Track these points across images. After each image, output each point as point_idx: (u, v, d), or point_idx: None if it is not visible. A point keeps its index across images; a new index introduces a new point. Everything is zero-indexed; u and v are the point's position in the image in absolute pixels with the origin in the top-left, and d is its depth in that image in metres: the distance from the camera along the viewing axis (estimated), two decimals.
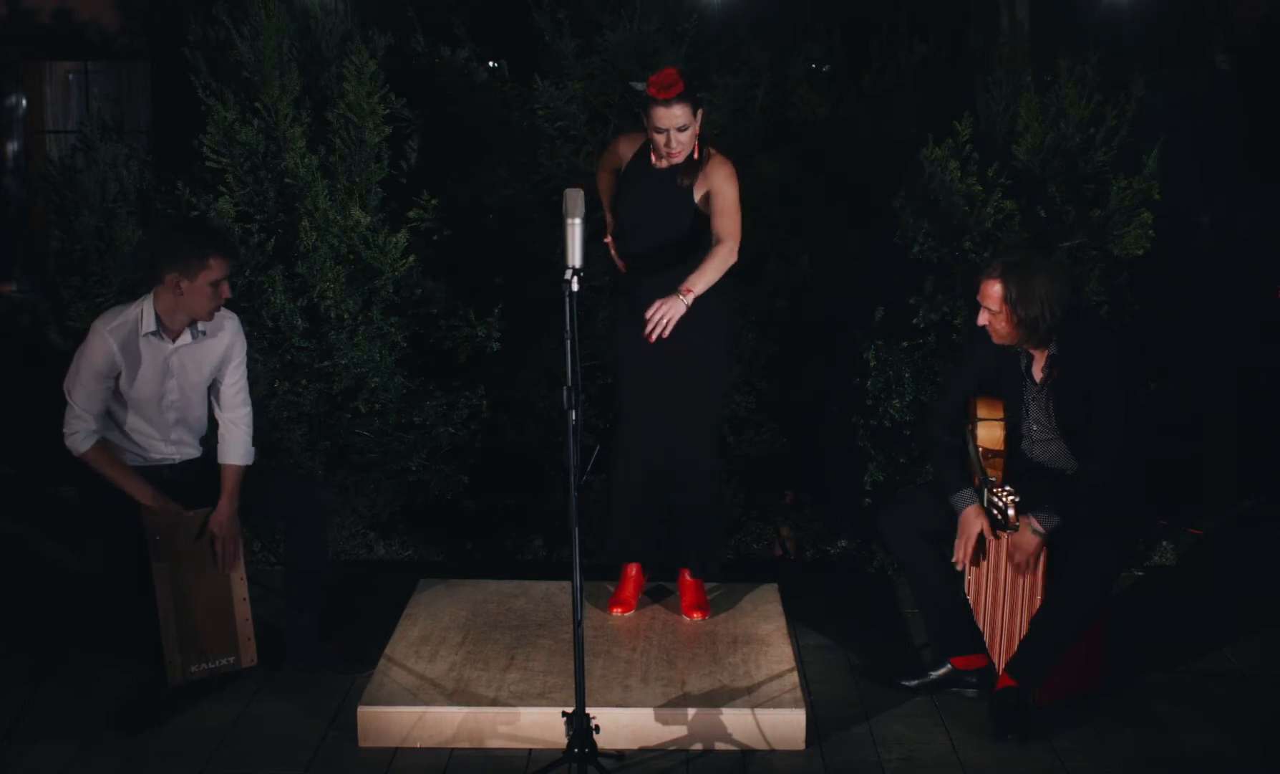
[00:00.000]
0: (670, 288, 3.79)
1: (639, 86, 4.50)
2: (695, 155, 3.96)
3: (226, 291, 3.81)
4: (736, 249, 3.89)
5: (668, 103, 3.83)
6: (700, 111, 3.92)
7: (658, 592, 4.40)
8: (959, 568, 3.91)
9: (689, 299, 3.76)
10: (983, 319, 3.77)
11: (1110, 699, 3.86)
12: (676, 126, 3.86)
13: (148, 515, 3.76)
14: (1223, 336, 4.95)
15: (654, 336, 3.74)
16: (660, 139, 3.89)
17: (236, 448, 3.95)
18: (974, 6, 5.42)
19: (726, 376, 4.33)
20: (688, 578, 4.28)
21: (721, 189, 3.92)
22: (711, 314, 3.95)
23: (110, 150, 4.57)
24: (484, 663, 3.88)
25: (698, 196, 3.96)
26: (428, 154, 4.95)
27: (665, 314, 3.74)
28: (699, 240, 3.94)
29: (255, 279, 4.53)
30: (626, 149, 4.11)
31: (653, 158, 4.01)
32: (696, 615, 4.20)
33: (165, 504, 3.79)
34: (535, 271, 4.87)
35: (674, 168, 3.97)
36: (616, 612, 4.24)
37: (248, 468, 3.96)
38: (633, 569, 4.31)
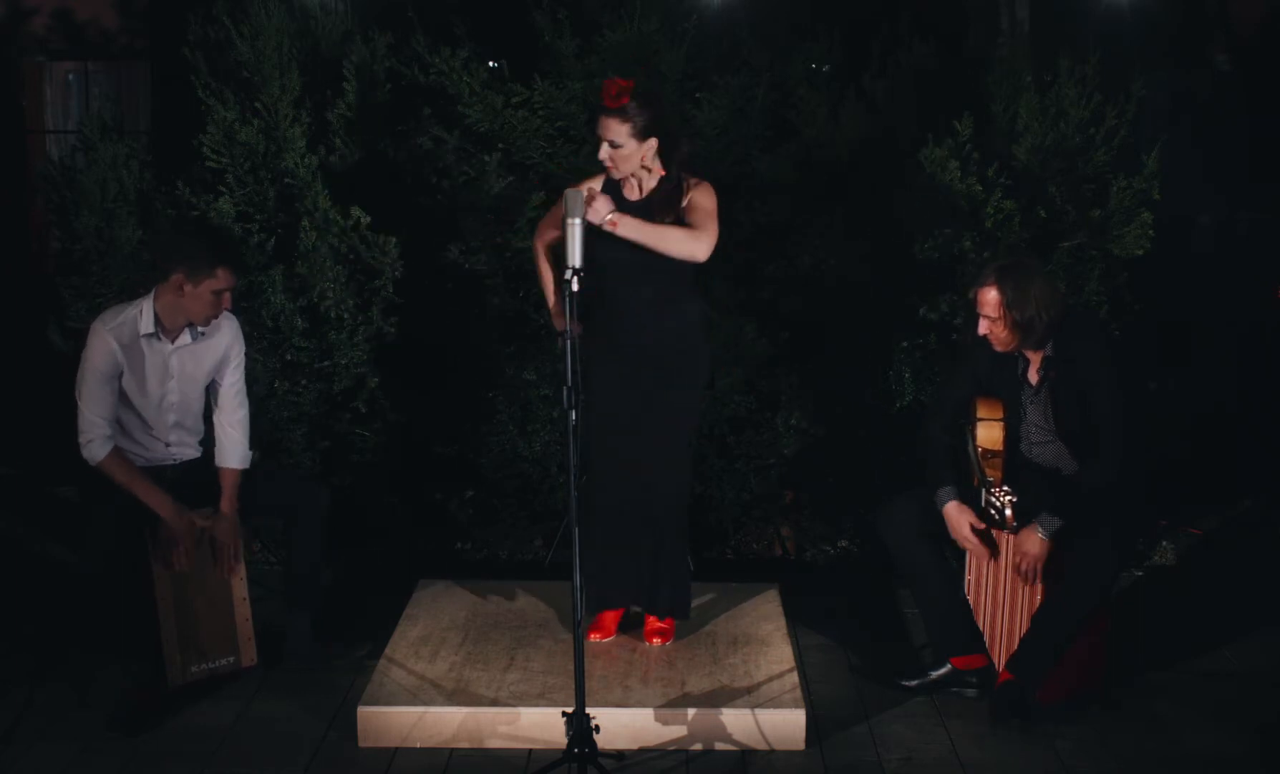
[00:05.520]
0: (654, 330, 3.73)
1: None
2: (665, 172, 3.75)
3: (228, 302, 3.82)
4: (701, 244, 3.63)
5: (607, 112, 3.65)
6: (650, 141, 3.68)
7: None
8: (970, 560, 3.93)
9: (619, 223, 3.53)
10: (983, 328, 3.74)
11: (1110, 699, 3.86)
12: (609, 139, 3.66)
13: (163, 534, 3.77)
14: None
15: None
16: (601, 144, 3.70)
17: (234, 452, 3.95)
18: (974, 6, 5.42)
19: (700, 403, 4.07)
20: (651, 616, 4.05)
21: (699, 203, 3.72)
22: (692, 337, 3.83)
23: (110, 150, 4.57)
24: (484, 663, 3.88)
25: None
26: (428, 153, 4.95)
27: (607, 219, 3.52)
28: (682, 278, 3.77)
29: (255, 279, 4.54)
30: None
31: (625, 191, 3.78)
32: (656, 640, 3.99)
33: (182, 515, 3.79)
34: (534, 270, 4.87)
35: (651, 203, 3.74)
36: (594, 637, 4.00)
37: (247, 469, 3.97)
38: None
